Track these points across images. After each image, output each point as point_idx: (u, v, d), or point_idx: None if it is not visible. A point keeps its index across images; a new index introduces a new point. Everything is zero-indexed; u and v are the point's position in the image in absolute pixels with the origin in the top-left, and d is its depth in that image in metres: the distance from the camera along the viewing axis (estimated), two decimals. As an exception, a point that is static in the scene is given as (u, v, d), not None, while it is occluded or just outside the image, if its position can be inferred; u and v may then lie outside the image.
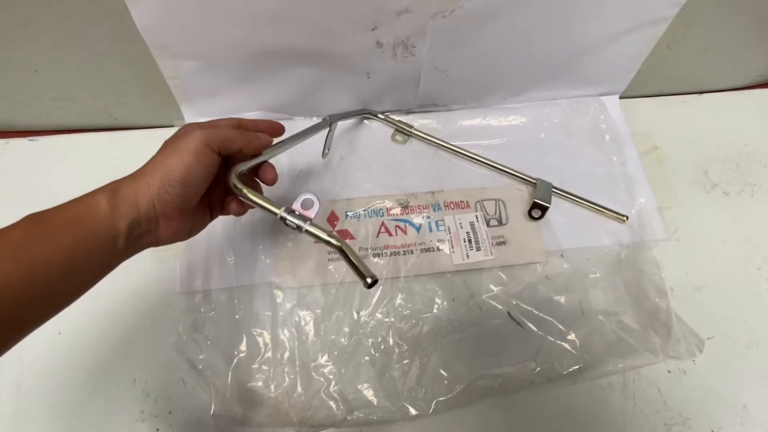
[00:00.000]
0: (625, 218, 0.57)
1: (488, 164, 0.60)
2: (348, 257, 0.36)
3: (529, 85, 0.63)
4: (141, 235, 0.35)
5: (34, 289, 0.29)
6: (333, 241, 0.36)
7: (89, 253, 0.32)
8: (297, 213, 0.37)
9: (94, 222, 0.32)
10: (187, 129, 0.38)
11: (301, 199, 0.38)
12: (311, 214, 0.37)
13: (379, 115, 0.63)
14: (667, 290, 0.52)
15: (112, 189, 0.34)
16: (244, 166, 0.41)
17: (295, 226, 0.37)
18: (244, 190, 0.38)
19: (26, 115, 0.59)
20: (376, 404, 0.48)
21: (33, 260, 0.29)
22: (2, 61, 0.51)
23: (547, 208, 0.56)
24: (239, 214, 0.43)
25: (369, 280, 0.35)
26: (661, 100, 0.68)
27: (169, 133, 0.58)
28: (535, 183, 0.59)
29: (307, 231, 0.36)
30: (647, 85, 0.65)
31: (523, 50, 0.57)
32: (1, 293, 0.28)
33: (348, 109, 0.62)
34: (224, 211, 0.43)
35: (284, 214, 0.37)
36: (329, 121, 0.55)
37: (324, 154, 0.56)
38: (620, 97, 0.66)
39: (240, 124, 0.42)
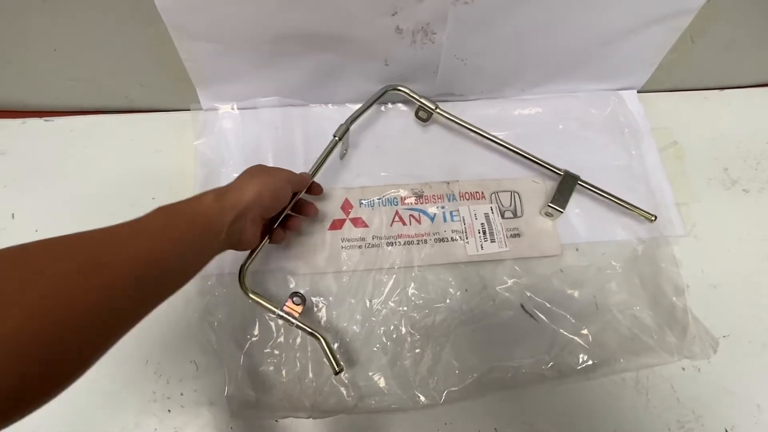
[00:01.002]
0: (653, 218, 0.55)
1: (515, 151, 0.57)
2: (324, 347, 0.45)
3: (548, 77, 0.62)
4: (234, 233, 0.41)
5: (171, 265, 0.34)
6: (316, 334, 0.46)
7: (205, 241, 0.38)
8: (287, 311, 0.46)
9: (208, 215, 0.38)
10: (272, 168, 0.47)
11: (293, 298, 0.47)
12: (299, 309, 0.47)
13: (403, 89, 0.59)
14: (685, 288, 0.52)
15: (219, 192, 0.40)
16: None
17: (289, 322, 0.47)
18: (250, 293, 0.48)
19: (43, 96, 0.59)
20: (387, 392, 0.48)
21: (173, 241, 0.35)
22: (21, 39, 0.51)
23: (561, 213, 0.55)
24: (280, 241, 0.51)
25: (338, 369, 0.44)
26: (681, 94, 0.66)
27: (184, 117, 0.59)
28: (561, 174, 0.56)
29: (297, 326, 0.46)
30: (668, 79, 0.64)
31: (544, 40, 0.56)
32: (150, 265, 0.32)
33: (365, 97, 0.62)
34: (271, 238, 0.50)
35: (281, 313, 0.46)
36: (347, 125, 0.55)
37: (342, 155, 0.58)
38: (641, 91, 0.66)
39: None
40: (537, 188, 0.59)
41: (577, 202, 0.57)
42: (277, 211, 0.47)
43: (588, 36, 0.56)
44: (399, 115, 0.63)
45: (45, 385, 0.26)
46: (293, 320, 0.46)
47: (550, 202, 0.55)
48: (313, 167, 0.53)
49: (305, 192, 0.52)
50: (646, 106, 0.64)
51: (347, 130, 0.55)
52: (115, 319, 0.30)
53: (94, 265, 0.29)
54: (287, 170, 0.48)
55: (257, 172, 0.45)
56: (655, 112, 0.64)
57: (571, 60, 0.60)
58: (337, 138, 0.55)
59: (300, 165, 0.58)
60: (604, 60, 0.60)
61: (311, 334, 0.46)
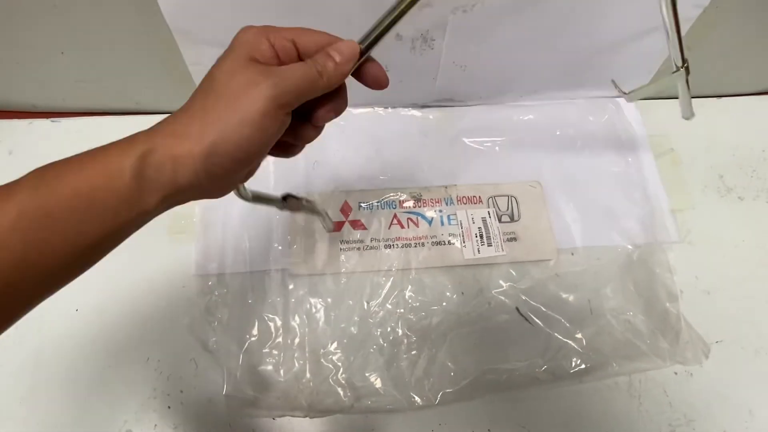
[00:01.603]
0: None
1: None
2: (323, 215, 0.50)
3: (546, 84, 0.63)
4: (176, 203, 0.28)
5: (29, 272, 0.24)
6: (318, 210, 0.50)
7: (103, 233, 0.26)
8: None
9: (115, 198, 0.25)
10: (249, 69, 0.28)
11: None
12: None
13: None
14: (678, 295, 0.52)
15: (142, 154, 0.26)
16: None
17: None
18: (250, 196, 0.40)
19: (50, 97, 0.60)
20: (383, 393, 0.49)
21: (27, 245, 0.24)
22: (29, 42, 0.53)
23: None
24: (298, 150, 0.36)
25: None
26: (678, 102, 0.67)
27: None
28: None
29: (304, 205, 0.46)
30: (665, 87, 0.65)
31: (543, 48, 0.57)
32: None
33: (364, 102, 0.63)
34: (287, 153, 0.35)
35: (284, 204, 0.45)
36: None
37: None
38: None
39: (302, 41, 0.31)
40: (534, 192, 0.59)
41: (574, 208, 0.58)
42: (260, 162, 0.31)
43: (586, 43, 0.57)
44: (399, 119, 0.64)
45: None
46: (302, 201, 0.46)
47: None
48: (367, 35, 0.33)
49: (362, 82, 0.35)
50: (643, 114, 0.65)
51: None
52: None
53: None
54: (279, 77, 0.27)
55: (219, 89, 0.27)
56: (653, 120, 0.65)
57: (569, 67, 0.60)
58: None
59: (301, 168, 0.59)
60: (602, 67, 0.61)
61: (317, 212, 0.50)
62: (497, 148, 0.62)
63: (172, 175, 0.26)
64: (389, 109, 0.64)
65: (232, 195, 0.37)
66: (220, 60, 0.29)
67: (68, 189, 0.25)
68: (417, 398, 0.48)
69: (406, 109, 0.64)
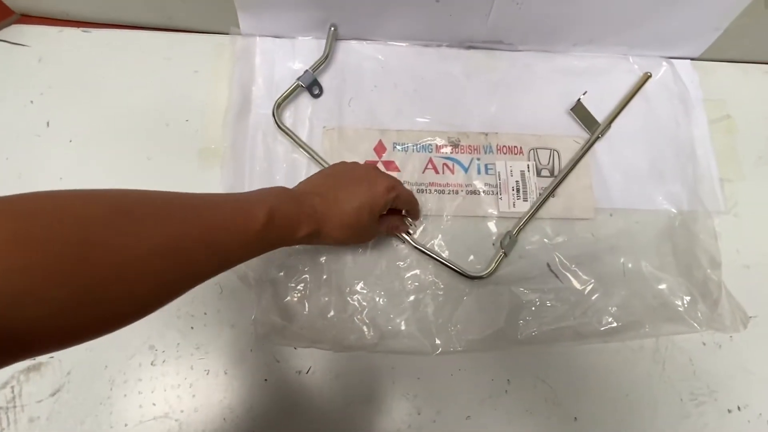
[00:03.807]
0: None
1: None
2: None
3: (602, 36, 0.59)
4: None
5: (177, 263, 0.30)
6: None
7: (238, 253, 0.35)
8: None
9: (247, 235, 0.34)
10: (373, 171, 0.46)
11: None
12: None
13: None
14: (721, 262, 0.51)
15: (271, 210, 0.36)
16: None
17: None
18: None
19: (83, 5, 0.57)
20: (407, 335, 0.48)
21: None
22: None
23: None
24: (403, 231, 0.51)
25: None
26: (741, 66, 0.63)
27: (223, 40, 0.58)
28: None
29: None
30: (731, 48, 0.60)
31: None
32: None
33: (411, 35, 0.59)
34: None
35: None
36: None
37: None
38: (699, 59, 0.62)
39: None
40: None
41: (618, 167, 0.56)
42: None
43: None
44: (442, 58, 0.60)
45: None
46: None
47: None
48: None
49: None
50: (702, 75, 0.61)
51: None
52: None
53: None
54: (389, 178, 0.46)
55: (353, 180, 0.43)
56: (711, 83, 0.61)
57: (630, 16, 0.56)
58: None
59: (335, 104, 0.57)
60: (666, 19, 0.56)
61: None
62: (544, 98, 0.59)
63: (290, 232, 0.39)
64: (433, 47, 0.61)
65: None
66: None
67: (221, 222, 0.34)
68: (441, 343, 0.48)
69: (452, 48, 0.60)
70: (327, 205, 0.40)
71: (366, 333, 0.48)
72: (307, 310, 0.49)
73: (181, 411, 0.46)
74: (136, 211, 0.28)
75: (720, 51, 0.61)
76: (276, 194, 0.38)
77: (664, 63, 0.62)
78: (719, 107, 0.60)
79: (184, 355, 0.47)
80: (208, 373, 0.47)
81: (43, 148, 0.53)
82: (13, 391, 0.45)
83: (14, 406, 0.45)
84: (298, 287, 0.50)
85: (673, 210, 0.54)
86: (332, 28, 0.58)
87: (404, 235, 0.51)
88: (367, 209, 0.42)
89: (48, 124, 0.54)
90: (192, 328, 0.49)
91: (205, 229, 0.31)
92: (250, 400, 0.47)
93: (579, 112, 0.57)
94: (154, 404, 0.46)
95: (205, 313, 0.49)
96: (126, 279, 0.26)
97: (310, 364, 0.48)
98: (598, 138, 0.57)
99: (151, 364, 0.47)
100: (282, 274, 0.50)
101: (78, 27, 0.58)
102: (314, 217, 0.39)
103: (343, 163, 0.47)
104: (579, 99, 0.57)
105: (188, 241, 0.30)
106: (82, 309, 0.25)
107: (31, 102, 0.55)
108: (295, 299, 0.49)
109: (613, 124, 0.57)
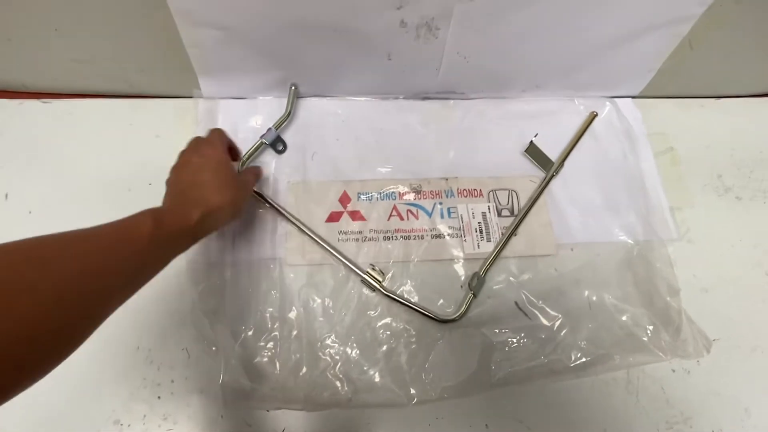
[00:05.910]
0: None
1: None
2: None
3: (548, 79, 0.63)
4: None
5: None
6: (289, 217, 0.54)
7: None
8: None
9: (140, 242, 0.36)
10: (200, 147, 0.47)
11: None
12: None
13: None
14: (679, 289, 0.52)
15: (155, 212, 0.39)
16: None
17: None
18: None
19: (42, 77, 0.58)
20: (381, 386, 0.48)
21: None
22: (23, 18, 0.51)
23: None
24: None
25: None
26: (679, 102, 0.67)
27: (185, 104, 0.59)
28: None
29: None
30: (666, 85, 0.65)
31: (546, 42, 0.56)
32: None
33: (366, 91, 0.62)
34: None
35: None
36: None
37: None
38: (639, 97, 0.66)
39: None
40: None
41: (574, 203, 0.58)
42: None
43: (589, 39, 0.57)
44: (400, 109, 0.63)
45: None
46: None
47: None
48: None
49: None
50: (644, 112, 0.65)
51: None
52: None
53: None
54: (207, 140, 0.49)
55: (190, 163, 0.45)
56: (653, 118, 0.65)
57: (571, 62, 0.60)
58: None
59: (300, 157, 0.58)
60: (604, 63, 0.61)
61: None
62: (499, 141, 0.61)
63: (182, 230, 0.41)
64: (390, 100, 0.63)
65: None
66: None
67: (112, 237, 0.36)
68: (416, 393, 0.48)
69: (408, 100, 0.63)
70: (194, 190, 0.43)
71: (339, 388, 0.47)
72: (278, 369, 0.48)
73: (150, 488, 0.44)
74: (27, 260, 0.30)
75: (658, 88, 0.65)
76: (152, 207, 0.40)
77: (608, 102, 0.66)
78: (662, 140, 0.64)
79: (151, 428, 0.46)
80: (176, 445, 0.45)
81: (0, 220, 0.52)
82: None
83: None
84: (268, 345, 0.49)
85: (630, 241, 0.56)
86: (293, 87, 0.60)
87: (374, 282, 0.51)
88: (216, 165, 0.45)
89: (6, 196, 0.54)
90: (159, 397, 0.47)
91: (84, 256, 0.32)
92: (223, 470, 0.45)
93: (533, 152, 0.60)
94: (120, 484, 0.44)
95: (173, 381, 0.47)
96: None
97: (284, 426, 0.46)
98: (552, 176, 0.59)
99: (117, 440, 0.45)
100: (251, 333, 0.49)
101: (38, 98, 0.59)
102: (195, 201, 0.42)
103: (176, 163, 0.48)
104: (532, 140, 0.60)
105: (76, 276, 0.31)
106: None
107: (-11, 175, 0.55)
108: (265, 359, 0.48)
109: (566, 162, 0.60)
